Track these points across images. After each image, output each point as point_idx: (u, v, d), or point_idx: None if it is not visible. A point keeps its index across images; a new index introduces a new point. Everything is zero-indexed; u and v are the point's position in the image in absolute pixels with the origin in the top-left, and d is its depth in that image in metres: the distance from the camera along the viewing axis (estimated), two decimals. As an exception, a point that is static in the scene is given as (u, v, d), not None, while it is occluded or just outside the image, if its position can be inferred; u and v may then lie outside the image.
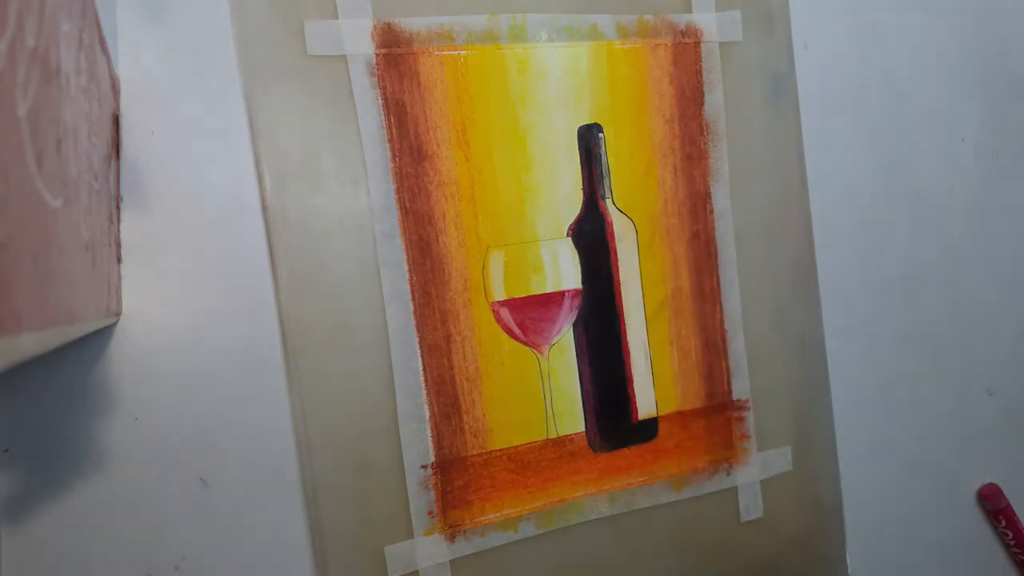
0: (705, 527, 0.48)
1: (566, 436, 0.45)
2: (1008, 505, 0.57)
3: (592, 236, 0.45)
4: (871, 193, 0.53)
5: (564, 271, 0.45)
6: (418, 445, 0.41)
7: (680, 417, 0.47)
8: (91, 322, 0.28)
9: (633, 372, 0.46)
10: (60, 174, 0.22)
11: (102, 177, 0.32)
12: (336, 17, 0.39)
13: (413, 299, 0.41)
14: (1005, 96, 0.57)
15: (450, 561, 0.42)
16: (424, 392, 0.41)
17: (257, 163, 0.39)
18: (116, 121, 0.37)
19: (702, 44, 0.47)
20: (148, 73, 0.38)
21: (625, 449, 0.46)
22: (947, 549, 0.56)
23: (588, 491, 0.45)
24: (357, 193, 0.40)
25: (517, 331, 0.44)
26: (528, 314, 0.44)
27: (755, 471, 0.49)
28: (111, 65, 0.36)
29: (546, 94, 0.44)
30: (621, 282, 0.46)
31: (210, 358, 0.38)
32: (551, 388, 0.44)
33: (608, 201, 0.45)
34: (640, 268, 0.46)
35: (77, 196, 0.25)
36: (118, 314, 0.36)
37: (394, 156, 0.41)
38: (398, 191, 0.41)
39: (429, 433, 0.41)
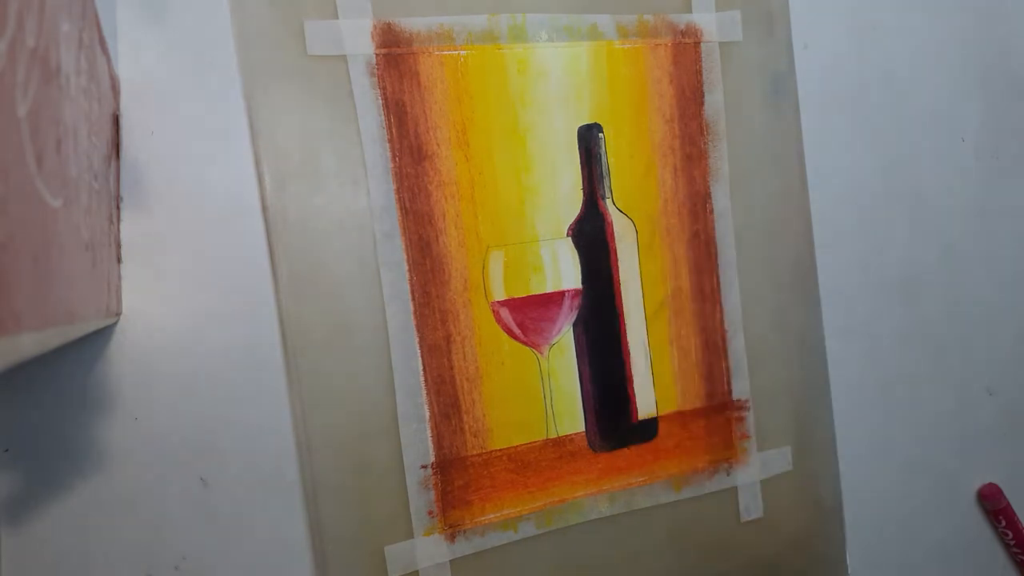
0: (705, 527, 0.48)
1: (566, 436, 0.45)
2: (1008, 505, 0.57)
3: (592, 236, 0.45)
4: (871, 193, 0.53)
5: (564, 271, 0.45)
6: (418, 445, 0.41)
7: (680, 417, 0.47)
8: (91, 322, 0.28)
9: (633, 372, 0.46)
10: (60, 174, 0.22)
11: (102, 177, 0.32)
12: (336, 17, 0.39)
13: (413, 299, 0.41)
14: (1005, 96, 0.57)
15: (450, 561, 0.42)
16: (424, 392, 0.41)
17: (257, 163, 0.39)
18: (116, 121, 0.37)
19: (702, 44, 0.47)
20: (148, 73, 0.38)
21: (625, 449, 0.46)
22: (947, 549, 0.56)
23: (588, 491, 0.45)
24: (357, 193, 0.40)
25: (517, 331, 0.44)
26: (528, 314, 0.44)
27: (755, 471, 0.49)
28: (111, 65, 0.36)
29: (546, 94, 0.44)
30: (621, 282, 0.46)
31: (210, 358, 0.38)
32: (551, 388, 0.44)
33: (608, 201, 0.45)
34: (640, 268, 0.46)
35: (77, 196, 0.25)
36: (118, 314, 0.36)
37: (394, 156, 0.41)
38: (398, 191, 0.41)
39: (429, 433, 0.41)
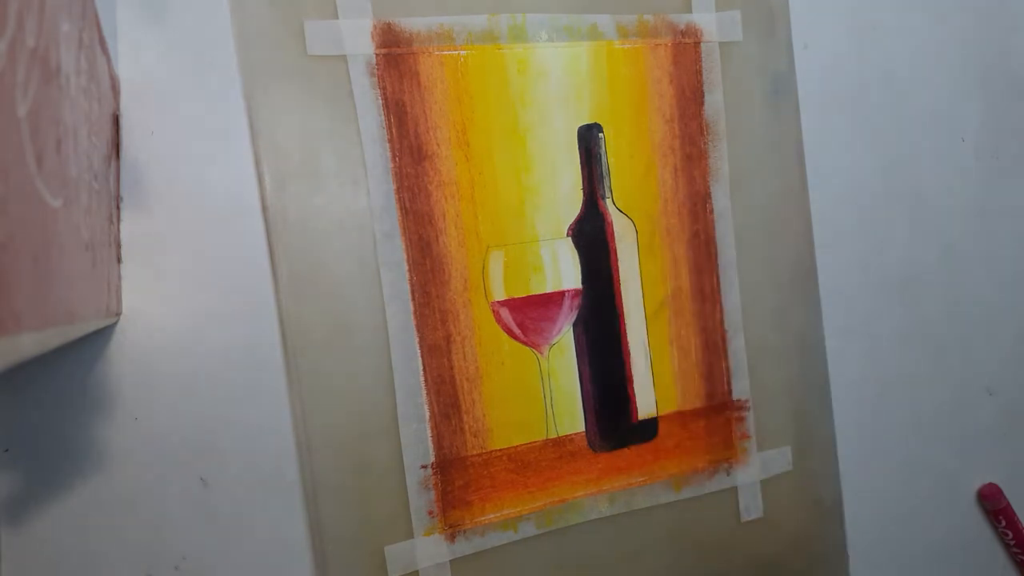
0: (705, 527, 0.48)
1: (566, 436, 0.45)
2: (1008, 505, 0.57)
3: (592, 236, 0.45)
4: (871, 193, 0.53)
5: (564, 271, 0.45)
6: (418, 445, 0.41)
7: (680, 417, 0.47)
8: (91, 322, 0.28)
9: (633, 372, 0.46)
10: (60, 174, 0.22)
11: (102, 177, 0.32)
12: (336, 17, 0.39)
13: (413, 299, 0.41)
14: (1005, 96, 0.57)
15: (450, 561, 0.42)
16: (424, 392, 0.41)
17: (257, 163, 0.39)
18: (116, 121, 0.37)
19: (702, 44, 0.47)
20: (148, 73, 0.38)
21: (625, 449, 0.46)
22: (947, 549, 0.56)
23: (588, 491, 0.45)
24: (357, 193, 0.40)
25: (517, 331, 0.44)
26: (528, 314, 0.44)
27: (755, 471, 0.49)
28: (111, 65, 0.36)
29: (546, 94, 0.44)
30: (621, 282, 0.46)
31: (210, 358, 0.38)
32: (551, 388, 0.44)
33: (608, 201, 0.45)
34: (640, 268, 0.46)
35: (77, 196, 0.25)
36: (118, 314, 0.36)
37: (394, 156, 0.41)
38: (398, 191, 0.41)
39: (429, 433, 0.41)
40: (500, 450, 0.43)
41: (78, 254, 0.25)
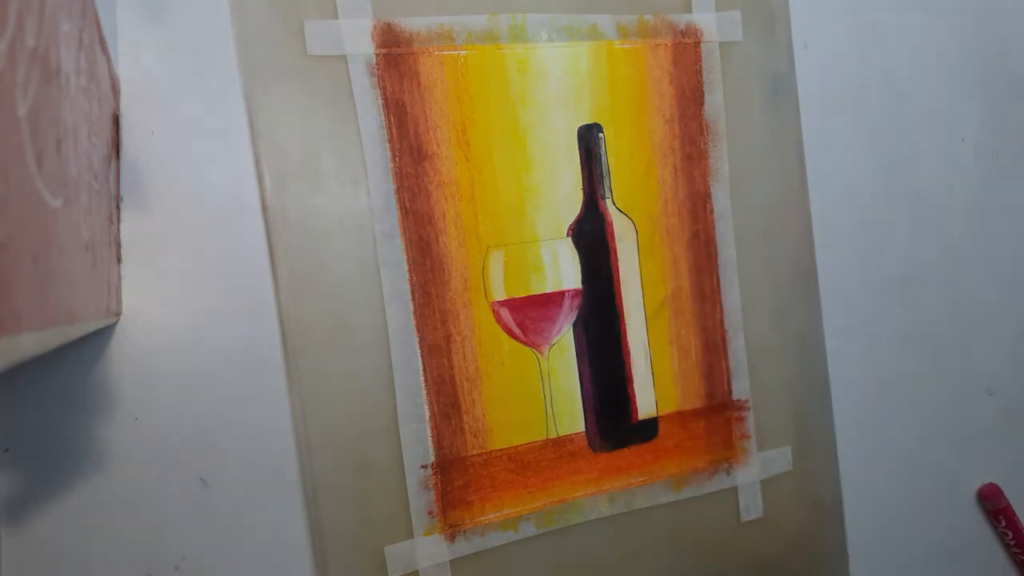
0: (705, 527, 0.48)
1: (566, 436, 0.45)
2: (1008, 505, 0.57)
3: (592, 236, 0.45)
4: (871, 193, 0.53)
5: (564, 271, 0.45)
6: (418, 445, 0.41)
7: (680, 417, 0.47)
8: (91, 322, 0.28)
9: (633, 372, 0.46)
10: (60, 174, 0.22)
11: (102, 177, 0.32)
12: (336, 17, 0.39)
13: (413, 299, 0.41)
14: (1005, 96, 0.57)
15: (450, 561, 0.42)
16: (424, 392, 0.41)
17: (257, 163, 0.39)
18: (116, 121, 0.37)
19: (702, 44, 0.47)
20: (148, 73, 0.38)
21: (625, 449, 0.46)
22: (947, 549, 0.56)
23: (588, 491, 0.45)
24: (357, 193, 0.40)
25: (517, 331, 0.44)
26: (528, 314, 0.44)
27: (755, 471, 0.49)
28: (111, 65, 0.36)
29: (546, 94, 0.44)
30: (621, 282, 0.46)
31: (210, 358, 0.38)
32: (551, 388, 0.44)
33: (608, 201, 0.45)
34: (640, 268, 0.46)
35: (77, 196, 0.25)
36: (118, 314, 0.36)
37: (394, 156, 0.41)
38: (398, 191, 0.41)
39: (429, 433, 0.41)
40: (500, 450, 0.43)
41: (78, 254, 0.25)
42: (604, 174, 0.45)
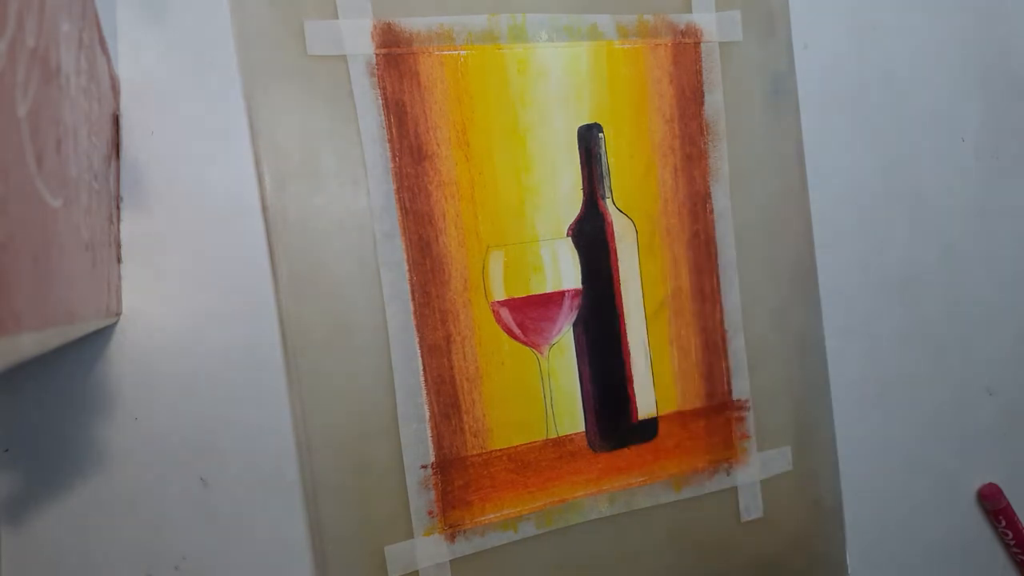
0: (705, 527, 0.48)
1: (566, 436, 0.45)
2: (1008, 505, 0.57)
3: (592, 236, 0.45)
4: (871, 193, 0.53)
5: (564, 271, 0.45)
6: (418, 445, 0.41)
7: (680, 417, 0.47)
8: (91, 322, 0.28)
9: (633, 372, 0.46)
10: (60, 174, 0.22)
11: (102, 177, 0.32)
12: (336, 17, 0.39)
13: (413, 299, 0.41)
14: (1005, 96, 0.57)
15: (450, 561, 0.42)
16: (424, 392, 0.41)
17: (257, 163, 0.39)
18: (116, 121, 0.37)
19: (702, 44, 0.47)
20: (148, 73, 0.38)
21: (625, 449, 0.46)
22: (947, 549, 0.56)
23: (588, 491, 0.45)
24: (357, 193, 0.40)
25: (517, 331, 0.44)
26: (528, 314, 0.44)
27: (755, 471, 0.49)
28: (111, 65, 0.36)
29: (546, 94, 0.44)
30: (621, 282, 0.46)
31: (210, 358, 0.38)
32: (551, 388, 0.44)
33: (608, 201, 0.45)
34: (640, 268, 0.46)
35: (77, 196, 0.25)
36: (118, 314, 0.36)
37: (394, 156, 0.41)
38: (398, 191, 0.41)
39: (429, 433, 0.41)
40: (500, 450, 0.43)
41: (78, 254, 0.25)
42: (604, 174, 0.45)
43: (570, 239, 0.45)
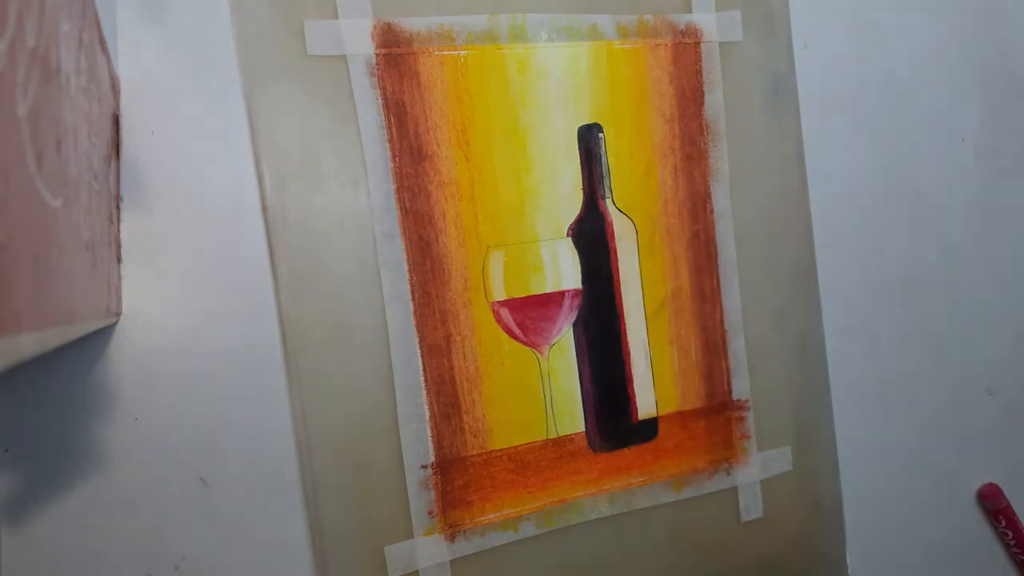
0: (705, 527, 0.48)
1: (566, 436, 0.45)
2: (1008, 505, 0.57)
3: (592, 236, 0.45)
4: (871, 193, 0.53)
5: (564, 271, 0.45)
6: (418, 445, 0.41)
7: (680, 417, 0.47)
8: (91, 322, 0.28)
9: (633, 372, 0.46)
10: (60, 174, 0.22)
11: (102, 177, 0.32)
12: (336, 17, 0.39)
13: (413, 299, 0.41)
14: (1005, 96, 0.57)
15: (450, 561, 0.42)
16: (424, 392, 0.41)
17: (257, 163, 0.39)
18: (116, 121, 0.37)
19: (702, 44, 0.47)
20: (148, 73, 0.38)
21: (625, 449, 0.46)
22: (947, 549, 0.56)
23: (588, 491, 0.45)
24: (357, 193, 0.40)
25: (517, 331, 0.44)
26: (528, 314, 0.44)
27: (755, 471, 0.49)
28: (111, 65, 0.36)
29: (546, 94, 0.44)
30: (621, 282, 0.46)
31: (210, 358, 0.38)
32: (551, 388, 0.44)
33: (608, 201, 0.45)
34: (640, 268, 0.46)
35: (77, 196, 0.25)
36: (118, 314, 0.36)
37: (394, 156, 0.41)
38: (398, 191, 0.41)
39: (429, 433, 0.41)
40: (500, 450, 0.43)
41: (78, 254, 0.25)
42: (604, 174, 0.45)
43: (570, 239, 0.45)
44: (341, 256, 0.40)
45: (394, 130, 0.41)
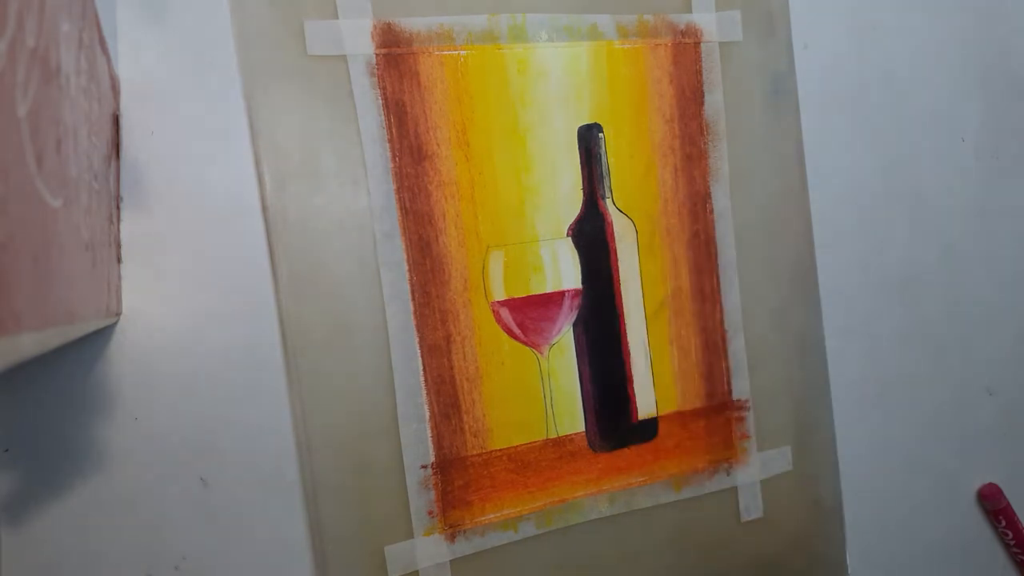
0: (705, 527, 0.48)
1: (566, 436, 0.45)
2: (1008, 505, 0.57)
3: (592, 236, 0.45)
4: (871, 193, 0.53)
5: (564, 271, 0.45)
6: (418, 445, 0.41)
7: (680, 417, 0.47)
8: (91, 322, 0.28)
9: (633, 372, 0.46)
10: (60, 174, 0.22)
11: (102, 177, 0.32)
12: (336, 17, 0.39)
13: (413, 299, 0.41)
14: (1005, 96, 0.57)
15: (450, 561, 0.42)
16: (424, 392, 0.41)
17: (257, 163, 0.39)
18: (116, 121, 0.37)
19: (702, 44, 0.47)
20: (148, 73, 0.38)
21: (625, 449, 0.46)
22: (947, 549, 0.56)
23: (588, 491, 0.45)
24: (357, 193, 0.40)
25: (517, 331, 0.44)
26: (528, 314, 0.44)
27: (755, 471, 0.49)
28: (111, 65, 0.36)
29: (546, 94, 0.44)
30: (621, 282, 0.46)
31: (210, 358, 0.38)
32: (551, 388, 0.44)
33: (608, 201, 0.45)
34: (640, 268, 0.46)
35: (77, 196, 0.25)
36: (118, 314, 0.36)
37: (394, 156, 0.41)
38: (398, 191, 0.41)
39: (429, 433, 0.41)
40: (500, 450, 0.43)
41: (78, 254, 0.25)
42: (604, 174, 0.45)
43: (570, 239, 0.45)
44: (341, 256, 0.40)
45: (394, 130, 0.41)
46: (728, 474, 0.48)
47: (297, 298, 0.39)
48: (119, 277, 0.37)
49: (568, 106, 0.44)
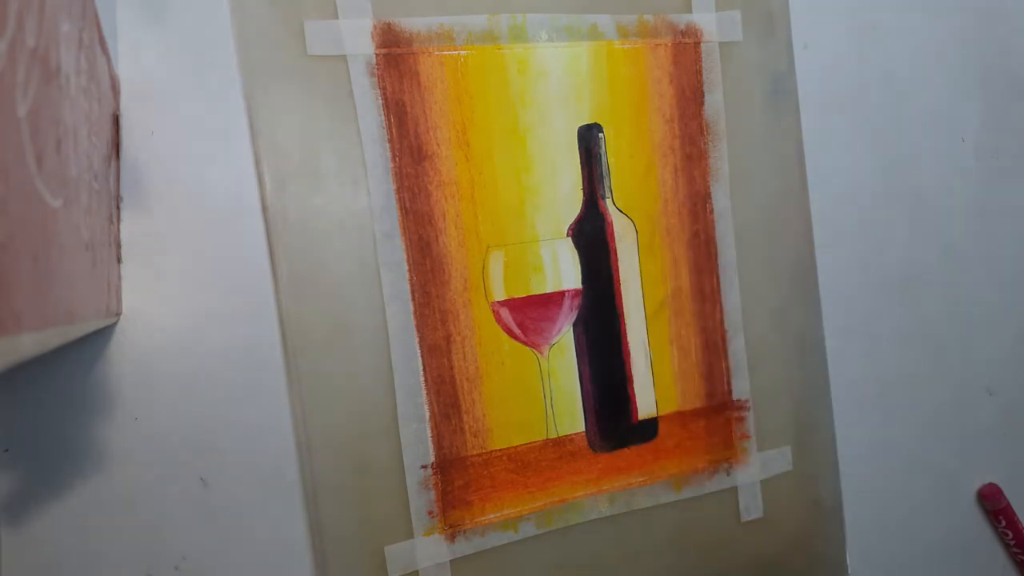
0: (705, 527, 0.48)
1: (566, 436, 0.45)
2: (1008, 505, 0.57)
3: (592, 236, 0.45)
4: (871, 193, 0.53)
5: (564, 271, 0.45)
6: (418, 445, 0.41)
7: (680, 417, 0.47)
8: (91, 322, 0.28)
9: (633, 372, 0.46)
10: (60, 174, 0.22)
11: (102, 177, 0.32)
12: (336, 17, 0.39)
13: (413, 299, 0.41)
14: (1005, 96, 0.57)
15: (450, 561, 0.42)
16: (424, 392, 0.41)
17: (257, 163, 0.39)
18: (116, 121, 0.37)
19: (702, 44, 0.47)
20: (148, 73, 0.38)
21: (625, 449, 0.46)
22: (947, 549, 0.56)
23: (588, 491, 0.45)
24: (357, 193, 0.40)
25: (517, 331, 0.44)
26: (528, 314, 0.44)
27: (755, 471, 0.49)
28: (111, 65, 0.36)
29: (546, 94, 0.44)
30: (621, 282, 0.46)
31: (210, 358, 0.38)
32: (551, 388, 0.44)
33: (608, 201, 0.45)
34: (640, 268, 0.46)
35: (77, 196, 0.25)
36: (118, 314, 0.36)
37: (394, 156, 0.41)
38: (398, 191, 0.41)
39: (429, 433, 0.41)
40: (500, 450, 0.43)
41: (78, 254, 0.25)
42: (604, 174, 0.45)
43: (570, 239, 0.45)
44: (341, 256, 0.40)
45: (394, 130, 0.41)
46: (728, 474, 0.48)
47: (297, 298, 0.39)
48: (119, 277, 0.37)
49: (568, 106, 0.44)
